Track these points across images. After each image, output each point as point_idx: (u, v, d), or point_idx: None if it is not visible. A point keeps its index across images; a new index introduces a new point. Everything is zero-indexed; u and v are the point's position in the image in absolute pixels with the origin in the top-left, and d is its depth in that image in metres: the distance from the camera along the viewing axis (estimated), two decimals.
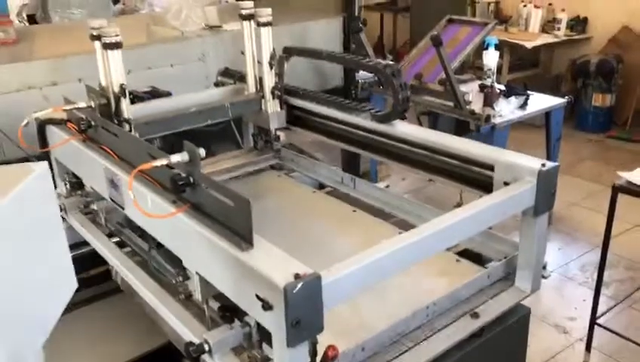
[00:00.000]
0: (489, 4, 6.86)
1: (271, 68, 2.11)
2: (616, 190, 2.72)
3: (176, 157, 1.26)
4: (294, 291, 1.02)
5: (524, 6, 6.43)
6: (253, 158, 2.33)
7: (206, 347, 1.23)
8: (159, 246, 1.53)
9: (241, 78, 2.48)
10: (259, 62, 2.14)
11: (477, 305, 1.51)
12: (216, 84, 2.54)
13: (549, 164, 1.47)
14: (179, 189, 1.26)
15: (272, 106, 2.16)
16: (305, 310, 1.04)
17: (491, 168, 1.54)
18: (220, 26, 3.51)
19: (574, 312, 3.44)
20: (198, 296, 1.35)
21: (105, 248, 1.73)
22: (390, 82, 1.74)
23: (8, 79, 2.72)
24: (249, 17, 2.10)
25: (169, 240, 1.39)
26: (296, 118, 2.20)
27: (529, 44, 5.96)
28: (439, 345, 1.39)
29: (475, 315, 1.48)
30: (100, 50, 1.78)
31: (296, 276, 1.03)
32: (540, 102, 4.03)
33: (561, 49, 6.45)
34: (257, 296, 1.08)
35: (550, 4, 6.41)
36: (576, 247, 4.13)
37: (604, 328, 3.08)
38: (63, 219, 1.98)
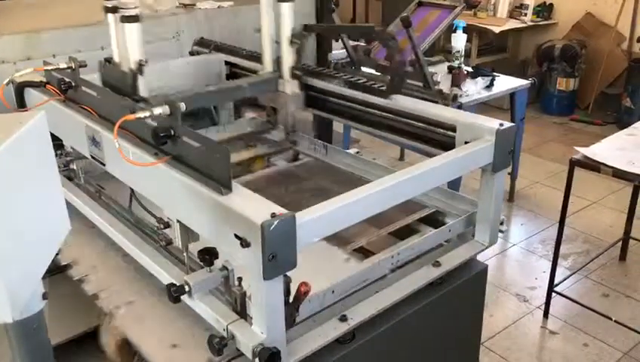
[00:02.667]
0: None
1: (291, 45, 1.99)
2: (573, 164, 2.87)
3: (158, 110, 1.33)
4: (271, 228, 1.11)
5: None
6: None
7: (186, 288, 1.32)
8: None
9: (217, 47, 2.54)
10: (276, 42, 2.04)
11: (439, 255, 1.63)
12: (191, 53, 2.60)
13: (507, 124, 1.58)
14: (160, 141, 1.34)
15: (291, 87, 2.04)
16: (280, 246, 1.13)
17: (453, 129, 1.65)
18: (194, 4, 3.56)
19: (534, 282, 3.62)
20: (178, 242, 1.43)
21: (85, 204, 1.80)
22: (394, 60, 1.78)
23: None
24: None
25: (150, 191, 1.46)
26: None
27: (497, 29, 6.13)
28: (403, 290, 1.51)
29: (437, 264, 1.60)
30: (114, 23, 1.73)
31: (273, 215, 1.13)
32: (505, 83, 4.18)
33: (528, 34, 6.63)
34: (236, 236, 1.17)
35: None
36: (538, 223, 4.32)
37: (561, 295, 3.27)
38: None
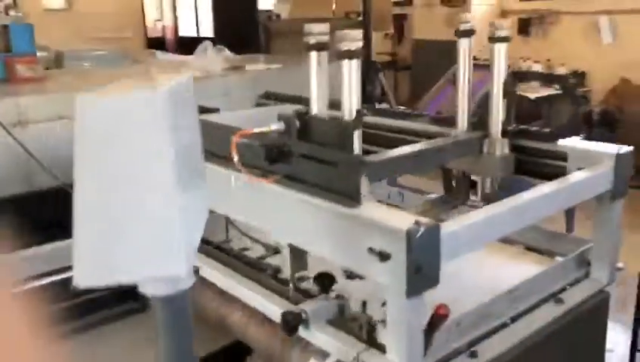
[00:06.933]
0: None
1: (504, 97, 1.61)
2: None
3: (274, 126, 1.27)
4: (417, 235, 1.00)
5: (524, 62, 6.68)
6: None
7: (303, 316, 1.20)
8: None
9: (282, 98, 2.52)
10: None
11: (557, 291, 1.50)
12: (258, 105, 2.59)
13: (625, 148, 1.50)
14: (274, 159, 1.26)
15: (500, 148, 1.62)
16: (425, 257, 1.03)
17: (564, 158, 1.56)
18: (243, 66, 3.63)
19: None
20: (287, 270, 1.32)
21: None
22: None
23: (41, 109, 2.80)
24: (469, 33, 1.63)
25: (256, 216, 1.37)
26: None
27: (532, 95, 6.15)
28: (527, 328, 1.37)
29: (560, 301, 1.47)
30: (316, 61, 1.34)
31: (417, 223, 1.03)
32: None
33: (562, 101, 6.65)
34: (370, 250, 1.06)
35: (548, 60, 6.66)
36: None
37: None
38: None
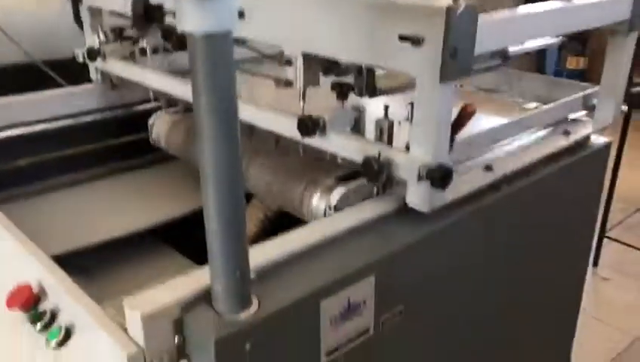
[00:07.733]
0: None
1: None
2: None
3: None
4: (457, 12, 0.95)
5: None
6: None
7: (320, 121, 1.15)
8: None
9: None
10: None
11: (565, 127, 1.50)
12: None
13: None
14: None
15: None
16: (462, 39, 0.97)
17: None
18: None
19: None
20: (299, 83, 1.25)
21: (165, 80, 1.61)
22: None
23: None
24: None
25: (266, 28, 1.28)
26: None
27: None
28: (537, 152, 1.37)
29: (567, 133, 1.47)
30: None
31: (456, 1, 0.97)
32: None
33: None
34: (401, 38, 1.00)
35: None
36: None
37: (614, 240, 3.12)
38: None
